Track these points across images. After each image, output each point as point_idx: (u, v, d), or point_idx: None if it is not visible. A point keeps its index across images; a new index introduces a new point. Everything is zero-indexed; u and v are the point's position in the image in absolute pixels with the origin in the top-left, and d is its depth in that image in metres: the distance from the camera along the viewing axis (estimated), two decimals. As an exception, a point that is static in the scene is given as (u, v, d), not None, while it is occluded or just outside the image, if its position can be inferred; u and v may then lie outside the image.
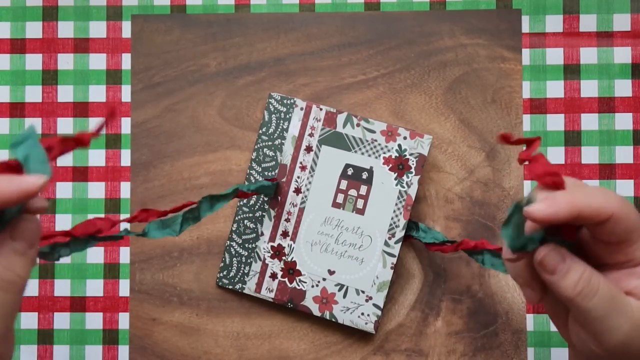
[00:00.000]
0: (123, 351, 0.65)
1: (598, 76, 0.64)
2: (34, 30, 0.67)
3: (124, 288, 0.65)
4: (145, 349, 0.65)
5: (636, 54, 0.64)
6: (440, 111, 0.65)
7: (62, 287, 0.65)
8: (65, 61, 0.66)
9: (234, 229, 0.64)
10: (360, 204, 0.62)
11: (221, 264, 0.64)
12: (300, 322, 0.65)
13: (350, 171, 0.63)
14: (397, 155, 0.62)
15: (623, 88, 0.64)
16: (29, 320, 0.65)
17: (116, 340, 0.65)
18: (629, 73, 0.64)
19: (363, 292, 0.62)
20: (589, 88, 0.65)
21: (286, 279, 0.63)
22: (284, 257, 0.63)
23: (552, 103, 0.64)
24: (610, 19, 0.64)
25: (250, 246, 0.64)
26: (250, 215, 0.64)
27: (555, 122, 0.64)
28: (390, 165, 0.62)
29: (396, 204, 0.62)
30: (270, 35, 0.65)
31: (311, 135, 0.63)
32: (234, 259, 0.64)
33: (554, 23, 0.65)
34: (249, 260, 0.64)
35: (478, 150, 0.65)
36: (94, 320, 0.65)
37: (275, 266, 0.63)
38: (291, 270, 0.63)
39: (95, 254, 0.65)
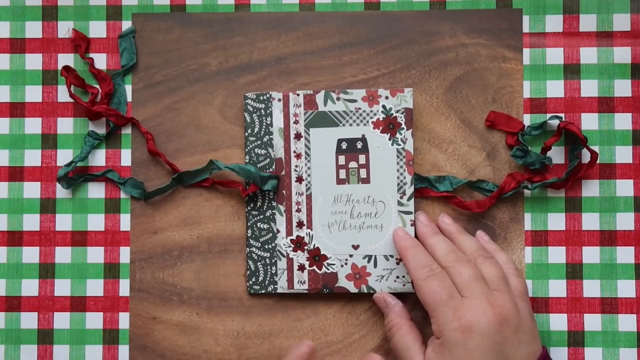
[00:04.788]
0: (123, 351, 0.65)
1: (598, 76, 0.65)
2: (33, 30, 0.66)
3: (124, 288, 0.65)
4: (146, 348, 0.65)
5: (636, 54, 0.64)
6: (440, 111, 0.65)
7: (62, 287, 0.65)
8: (66, 61, 0.66)
9: (249, 234, 0.64)
10: (363, 173, 0.63)
11: (247, 272, 0.64)
12: (300, 322, 0.65)
13: (344, 145, 0.63)
14: (384, 116, 0.63)
15: (623, 88, 0.64)
16: (29, 320, 0.65)
17: (116, 340, 0.65)
18: (629, 73, 0.64)
19: (392, 256, 0.63)
20: (589, 88, 0.65)
21: (315, 267, 0.63)
22: (306, 247, 0.63)
23: (552, 103, 0.65)
24: (610, 19, 0.65)
25: (270, 246, 0.64)
26: (261, 216, 0.64)
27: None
28: (381, 127, 0.63)
29: (397, 163, 0.63)
30: (271, 34, 0.65)
31: (296, 122, 0.63)
32: (258, 263, 0.64)
33: (554, 23, 0.65)
34: (273, 260, 0.64)
35: (479, 150, 0.65)
36: (94, 320, 0.65)
37: (300, 258, 0.64)
38: (317, 257, 0.63)
39: (95, 254, 0.65)
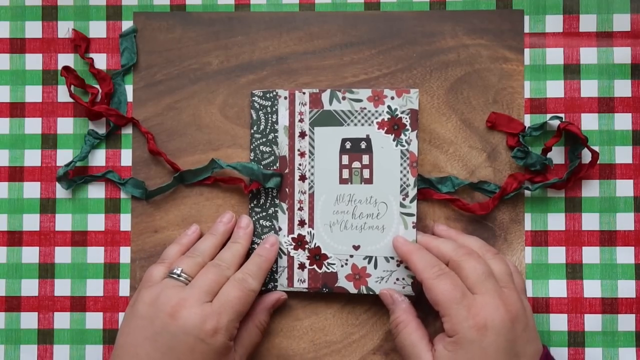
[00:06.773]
0: (123, 351, 0.64)
1: (598, 76, 0.65)
2: (33, 30, 0.66)
3: (124, 288, 0.65)
4: (146, 349, 0.64)
5: (636, 54, 0.65)
6: (441, 111, 0.65)
7: (62, 287, 0.65)
8: (66, 61, 0.66)
9: None
10: (366, 173, 0.63)
11: None
12: (299, 321, 0.64)
13: (348, 145, 0.63)
14: (390, 116, 0.63)
15: (623, 88, 0.65)
16: (29, 320, 0.65)
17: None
18: (629, 73, 0.65)
19: (392, 258, 0.63)
20: (589, 88, 0.65)
21: (315, 266, 0.63)
22: (307, 246, 0.63)
23: (552, 103, 0.65)
24: (610, 19, 0.65)
25: None
26: (264, 214, 0.64)
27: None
28: (386, 128, 0.63)
29: (401, 164, 0.62)
30: (273, 34, 0.65)
31: (301, 120, 0.63)
32: None
33: (554, 23, 0.65)
34: None
35: (479, 151, 0.65)
36: (94, 320, 0.65)
37: (301, 256, 0.63)
38: (317, 256, 0.63)
39: (95, 254, 0.65)
